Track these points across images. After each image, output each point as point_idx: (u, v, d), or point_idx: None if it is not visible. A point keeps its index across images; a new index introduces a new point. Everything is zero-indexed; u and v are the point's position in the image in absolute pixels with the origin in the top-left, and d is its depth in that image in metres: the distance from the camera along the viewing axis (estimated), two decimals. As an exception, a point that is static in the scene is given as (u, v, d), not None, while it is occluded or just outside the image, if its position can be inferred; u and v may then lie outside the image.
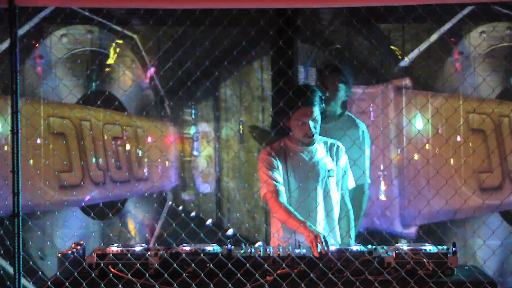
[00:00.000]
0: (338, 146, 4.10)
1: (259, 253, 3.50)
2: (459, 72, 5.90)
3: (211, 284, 3.34)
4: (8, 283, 3.53)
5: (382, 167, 6.01)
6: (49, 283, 3.40)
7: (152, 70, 6.27)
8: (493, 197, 5.81)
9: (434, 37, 5.91)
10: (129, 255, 3.47)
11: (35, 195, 5.01)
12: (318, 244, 3.50)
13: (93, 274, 3.42)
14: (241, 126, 6.39)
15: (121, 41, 6.12)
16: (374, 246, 3.56)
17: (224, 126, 6.42)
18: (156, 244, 4.64)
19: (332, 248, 3.51)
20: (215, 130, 6.44)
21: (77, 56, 5.91)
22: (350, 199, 4.19)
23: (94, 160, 6.02)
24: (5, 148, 5.12)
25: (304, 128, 3.93)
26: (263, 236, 6.03)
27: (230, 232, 6.20)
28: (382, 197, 6.03)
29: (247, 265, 3.42)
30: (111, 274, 3.42)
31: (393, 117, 5.89)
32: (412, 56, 6.00)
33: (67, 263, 3.47)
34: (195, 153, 6.47)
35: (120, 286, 3.35)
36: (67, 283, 3.37)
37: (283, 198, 3.92)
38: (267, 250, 3.56)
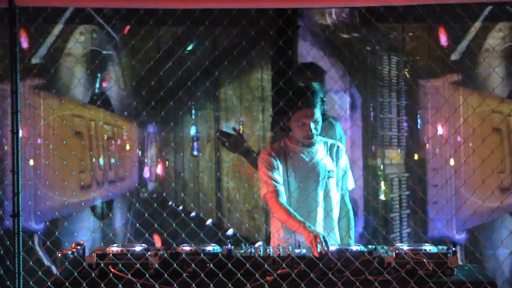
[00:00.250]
0: (338, 146, 4.10)
1: (259, 253, 3.50)
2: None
3: (211, 284, 3.34)
4: (8, 283, 3.53)
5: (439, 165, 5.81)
6: (49, 283, 3.40)
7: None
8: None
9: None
10: (129, 255, 3.48)
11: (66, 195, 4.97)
12: (318, 245, 3.50)
13: (93, 274, 3.42)
14: (241, 126, 6.39)
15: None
16: (374, 246, 3.56)
17: (224, 126, 6.41)
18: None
19: (332, 248, 3.51)
20: (215, 130, 6.44)
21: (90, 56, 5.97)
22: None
23: (94, 160, 6.03)
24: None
25: (304, 129, 3.93)
26: (263, 236, 6.03)
27: (230, 232, 6.20)
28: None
29: (247, 265, 3.42)
30: (111, 274, 3.42)
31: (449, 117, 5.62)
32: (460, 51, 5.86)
33: (67, 263, 3.48)
34: (195, 153, 6.47)
35: (120, 286, 3.35)
36: (67, 283, 3.37)
37: (283, 198, 3.92)
38: (267, 250, 3.56)
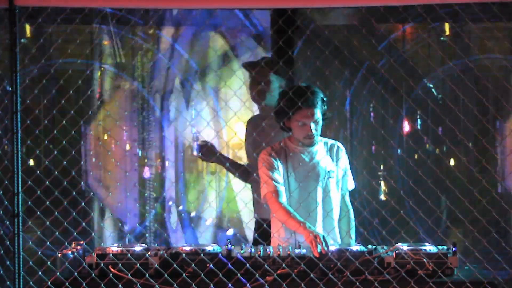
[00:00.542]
0: (338, 146, 4.10)
1: (259, 253, 3.50)
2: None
3: (211, 284, 3.34)
4: (8, 283, 3.53)
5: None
6: (49, 283, 3.40)
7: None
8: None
9: None
10: (129, 255, 3.48)
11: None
12: (318, 245, 3.50)
13: (93, 274, 3.42)
14: None
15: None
16: (374, 246, 3.56)
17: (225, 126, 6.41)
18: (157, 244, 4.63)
19: (332, 248, 3.51)
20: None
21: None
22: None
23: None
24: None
25: (304, 129, 3.93)
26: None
27: (230, 232, 6.20)
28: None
29: (247, 265, 3.42)
30: (111, 274, 3.42)
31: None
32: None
33: (67, 263, 3.48)
34: (194, 153, 6.47)
35: (120, 286, 3.35)
36: (67, 283, 3.37)
37: (283, 198, 3.92)
38: (267, 250, 3.56)
